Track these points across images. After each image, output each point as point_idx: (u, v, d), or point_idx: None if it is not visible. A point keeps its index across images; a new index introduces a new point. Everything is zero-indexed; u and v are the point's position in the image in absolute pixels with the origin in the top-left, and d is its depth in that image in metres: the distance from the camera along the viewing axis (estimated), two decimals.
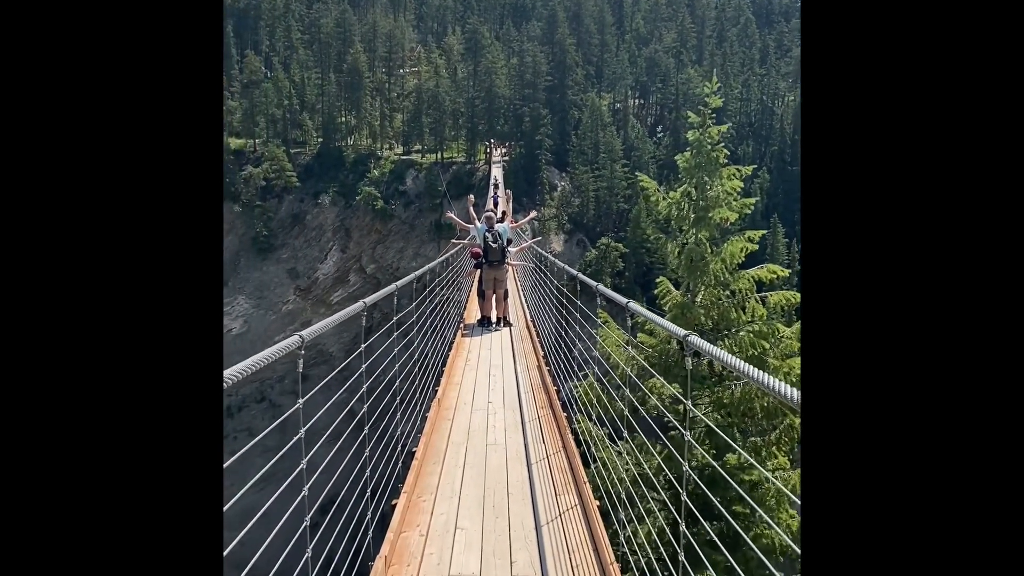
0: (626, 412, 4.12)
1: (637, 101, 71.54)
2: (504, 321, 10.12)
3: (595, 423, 6.43)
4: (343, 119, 62.12)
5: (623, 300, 3.67)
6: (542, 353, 8.05)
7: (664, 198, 11.49)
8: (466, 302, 12.54)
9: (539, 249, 12.48)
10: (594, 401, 6.02)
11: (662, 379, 4.83)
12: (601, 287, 4.64)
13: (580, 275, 5.69)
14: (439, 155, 59.45)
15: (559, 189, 56.27)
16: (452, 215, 13.33)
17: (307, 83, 63.22)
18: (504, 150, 60.95)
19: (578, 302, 5.69)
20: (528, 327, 10.43)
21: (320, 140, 60.39)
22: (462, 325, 10.29)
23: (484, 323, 10.16)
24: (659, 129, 67.73)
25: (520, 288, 14.42)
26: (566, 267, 6.86)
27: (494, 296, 10.01)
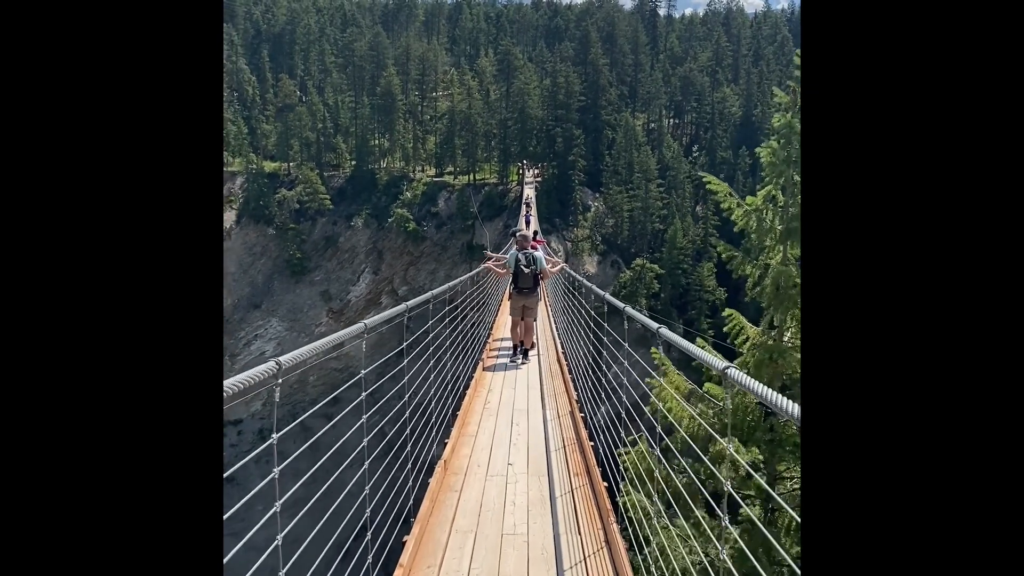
0: (705, 488, 2.83)
1: (672, 121, 70.14)
2: (524, 353, 9.13)
3: (638, 490, 5.13)
4: (376, 142, 62.16)
5: (719, 365, 2.33)
6: (575, 396, 6.75)
7: (739, 204, 8.77)
8: (491, 327, 11.43)
9: (572, 272, 11.15)
10: (643, 474, 4.70)
11: (734, 452, 3.49)
12: (664, 330, 3.26)
13: (629, 309, 4.20)
14: (471, 176, 58.95)
15: (592, 209, 55.05)
16: (488, 264, 11.87)
17: (341, 106, 63.58)
18: (537, 171, 59.99)
19: (626, 345, 4.31)
20: (559, 361, 9.18)
21: (353, 163, 60.52)
22: (484, 357, 9.14)
23: (510, 350, 9.29)
24: (694, 149, 66.13)
25: (551, 314, 13.18)
26: (610, 298, 5.33)
27: (522, 324, 8.99)
